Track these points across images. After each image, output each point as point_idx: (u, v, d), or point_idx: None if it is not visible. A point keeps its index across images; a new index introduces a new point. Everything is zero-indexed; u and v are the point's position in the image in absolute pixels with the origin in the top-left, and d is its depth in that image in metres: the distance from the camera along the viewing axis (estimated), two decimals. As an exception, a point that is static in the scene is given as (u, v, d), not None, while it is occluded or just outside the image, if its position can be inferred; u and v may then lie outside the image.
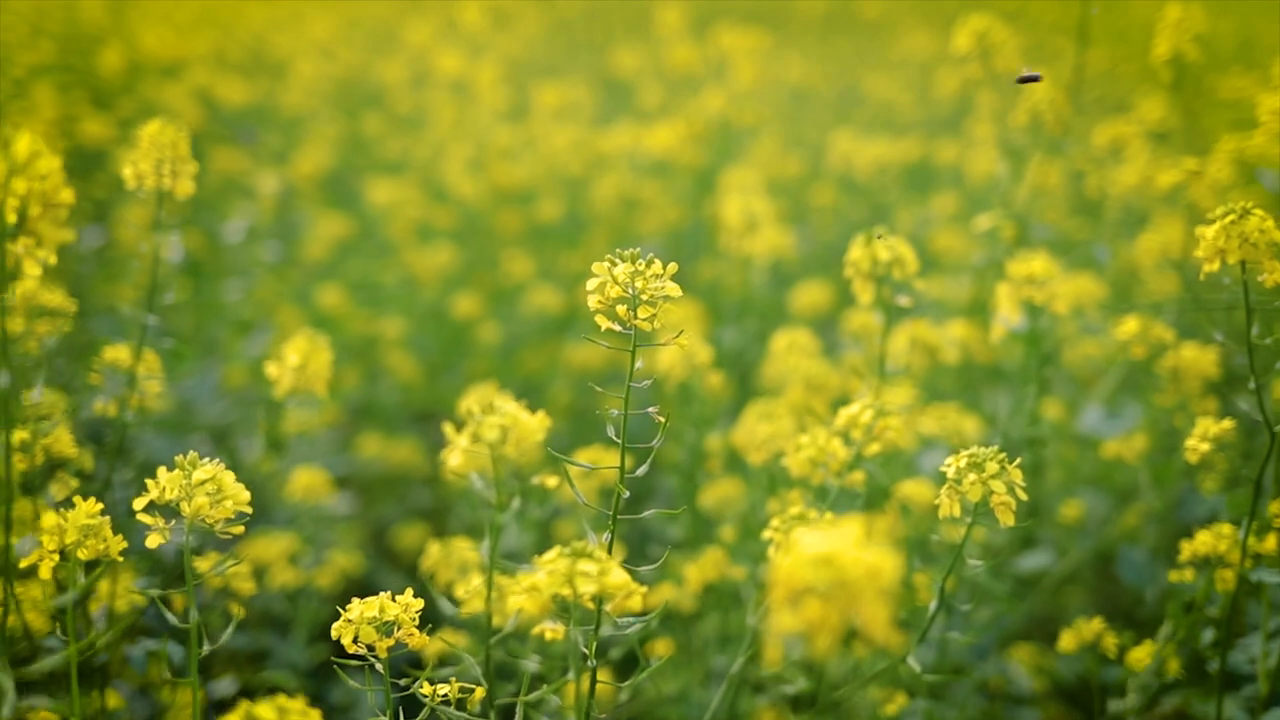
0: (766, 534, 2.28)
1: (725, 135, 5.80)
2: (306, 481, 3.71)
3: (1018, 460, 2.03)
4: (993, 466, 1.99)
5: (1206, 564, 2.65)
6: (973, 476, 1.99)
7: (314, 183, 6.11)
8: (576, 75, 8.58)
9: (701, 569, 2.96)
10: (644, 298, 1.99)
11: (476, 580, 2.60)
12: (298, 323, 5.84)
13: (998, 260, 3.64)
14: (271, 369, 2.84)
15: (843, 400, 2.90)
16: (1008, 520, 2.00)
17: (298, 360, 2.80)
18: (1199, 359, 3.31)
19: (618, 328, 2.00)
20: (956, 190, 6.70)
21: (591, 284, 2.01)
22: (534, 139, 6.38)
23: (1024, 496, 2.03)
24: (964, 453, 2.03)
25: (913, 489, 2.95)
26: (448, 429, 1.82)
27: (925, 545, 3.06)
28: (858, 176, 5.32)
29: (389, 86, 7.27)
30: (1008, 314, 2.65)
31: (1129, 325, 3.13)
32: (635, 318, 1.99)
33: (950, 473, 2.03)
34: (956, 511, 2.02)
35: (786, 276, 6.18)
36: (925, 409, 3.24)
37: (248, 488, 2.04)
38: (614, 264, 2.00)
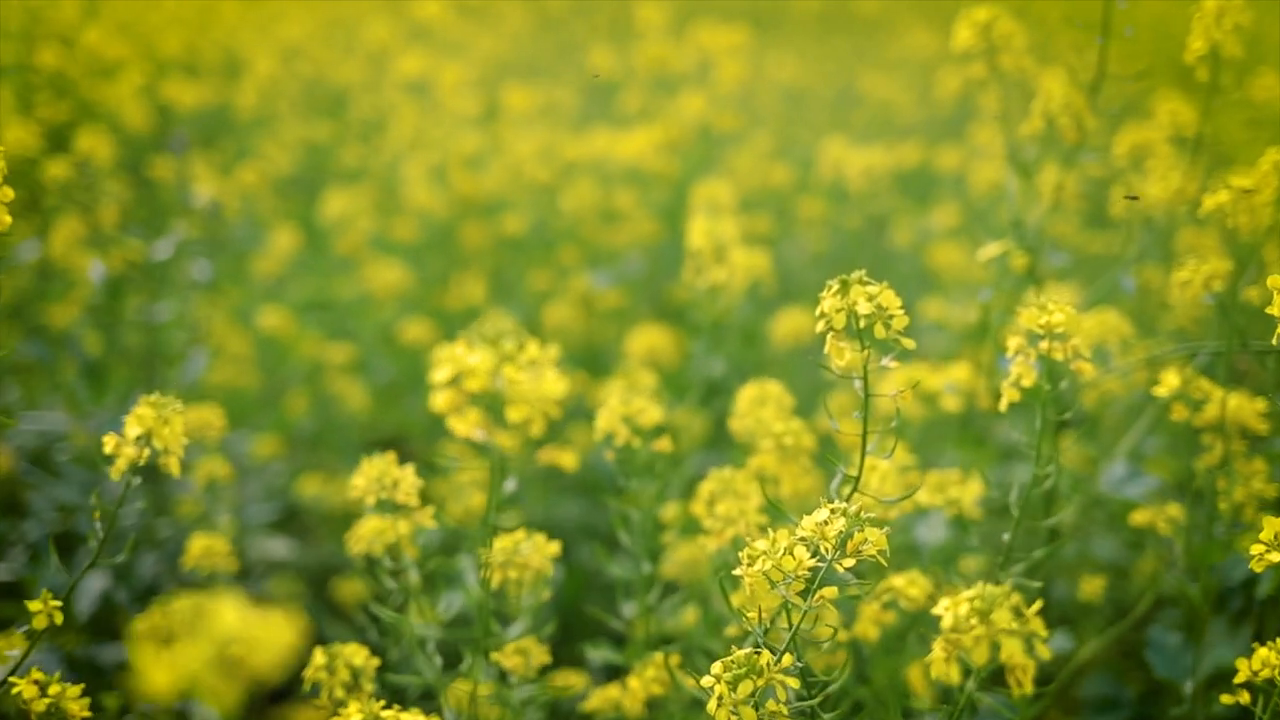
0: (708, 681, 1.71)
1: (706, 141, 5.22)
2: (203, 547, 3.15)
3: (1036, 604, 1.47)
4: (1004, 617, 1.43)
5: (1269, 687, 2.09)
6: (978, 629, 1.43)
7: (265, 192, 5.54)
8: (565, 76, 8.02)
9: (644, 683, 2.39)
10: (513, 395, 1.41)
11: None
12: (243, 345, 5.29)
13: (1006, 289, 3.07)
14: (108, 442, 2.25)
15: (825, 456, 2.34)
16: (1026, 687, 1.44)
17: (139, 430, 2.21)
18: (1241, 408, 2.75)
19: (480, 436, 1.42)
20: (957, 198, 6.12)
21: (440, 374, 1.43)
22: (501, 145, 5.80)
23: (1046, 654, 1.46)
24: (965, 594, 1.47)
25: (902, 583, 2.38)
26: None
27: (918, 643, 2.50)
28: (851, 185, 4.74)
29: (352, 88, 6.70)
30: (1021, 375, 2.08)
31: (1168, 380, 2.55)
32: (499, 429, 1.41)
33: (946, 619, 1.47)
34: (954, 676, 1.46)
35: (778, 290, 5.64)
36: (922, 474, 2.66)
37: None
38: (472, 346, 1.43)
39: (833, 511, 1.75)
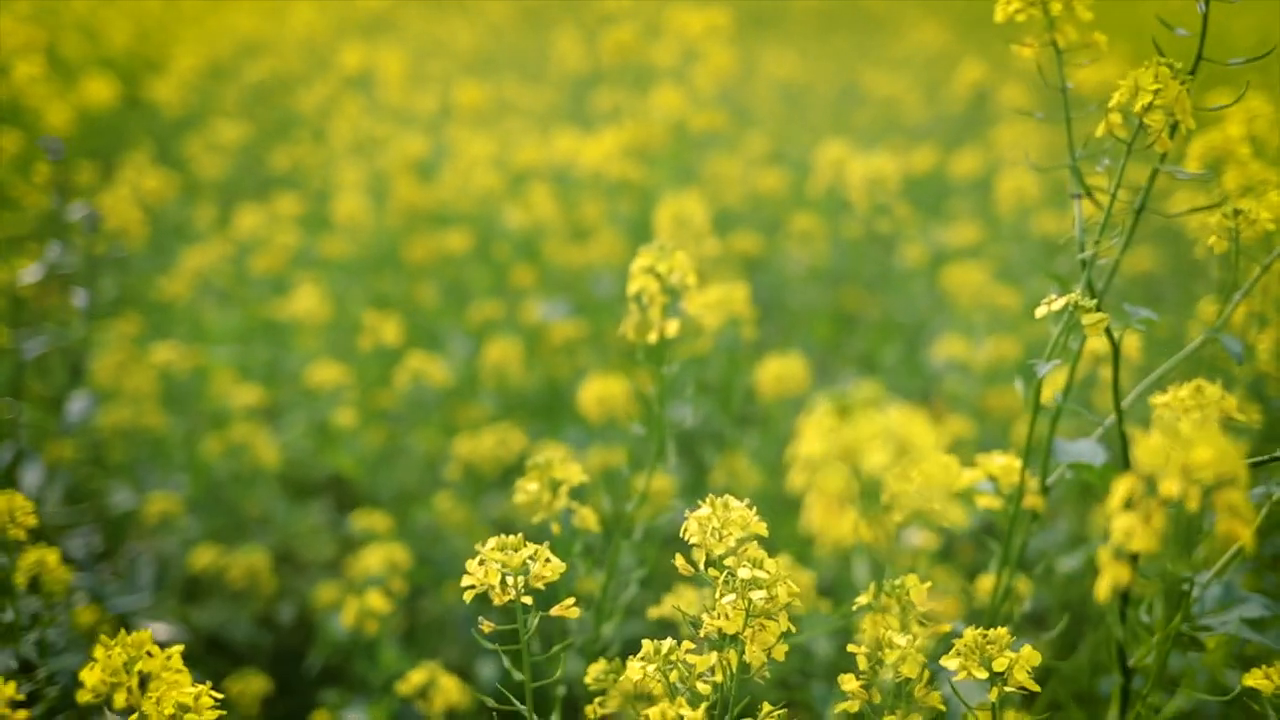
0: None
1: (682, 144, 4.33)
2: None
3: None
4: None
5: None
6: None
7: (175, 201, 4.65)
8: (544, 72, 7.14)
9: None
10: None
11: None
12: (144, 381, 4.41)
13: (1065, 349, 2.17)
14: None
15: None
16: None
17: None
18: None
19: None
20: (975, 208, 5.23)
21: None
22: (451, 149, 4.91)
23: None
24: None
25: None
26: None
27: None
28: (853, 195, 3.84)
29: (293, 84, 5.81)
30: (1132, 536, 1.21)
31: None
32: None
33: None
34: None
35: (767, 307, 4.73)
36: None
37: None
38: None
39: None
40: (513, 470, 3.64)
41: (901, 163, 4.72)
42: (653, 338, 2.21)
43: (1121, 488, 1.26)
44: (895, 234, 3.67)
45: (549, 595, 1.71)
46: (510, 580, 1.58)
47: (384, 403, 4.05)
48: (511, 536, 1.63)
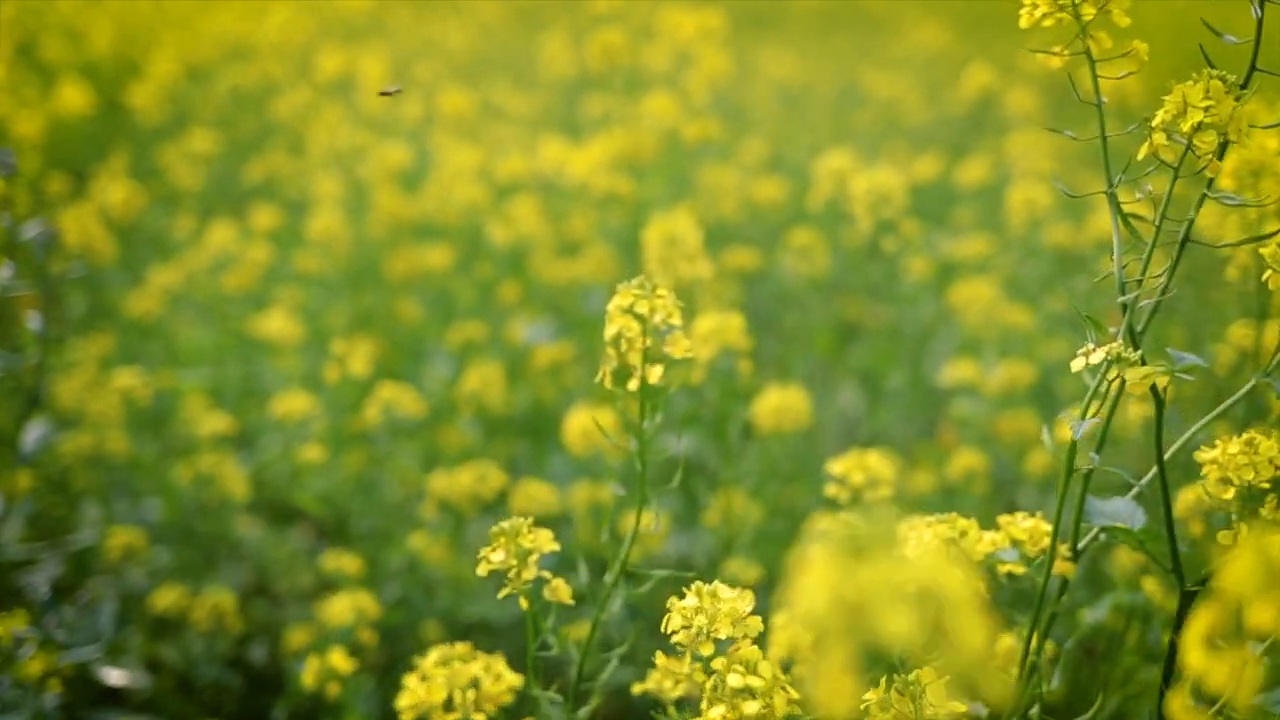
0: None
1: (675, 154, 4.06)
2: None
3: None
4: None
5: None
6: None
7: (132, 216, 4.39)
8: (536, 75, 6.86)
9: None
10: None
11: None
12: (108, 406, 4.15)
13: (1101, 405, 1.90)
14: None
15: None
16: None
17: None
18: None
19: None
20: (982, 213, 4.95)
21: None
22: (435, 159, 4.64)
23: None
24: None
25: None
26: None
27: None
28: (855, 209, 3.56)
29: (274, 91, 5.53)
30: None
31: None
32: None
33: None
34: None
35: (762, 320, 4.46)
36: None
37: None
38: None
39: None
40: (494, 506, 3.38)
41: (906, 172, 4.46)
42: (633, 385, 1.95)
43: (1200, 622, 1.00)
44: (901, 250, 3.40)
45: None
46: (458, 698, 1.32)
47: (360, 427, 3.79)
48: (460, 645, 1.37)
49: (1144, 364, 1.62)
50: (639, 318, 1.89)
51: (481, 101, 4.77)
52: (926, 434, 4.58)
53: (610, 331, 1.90)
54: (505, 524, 1.93)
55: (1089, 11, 1.84)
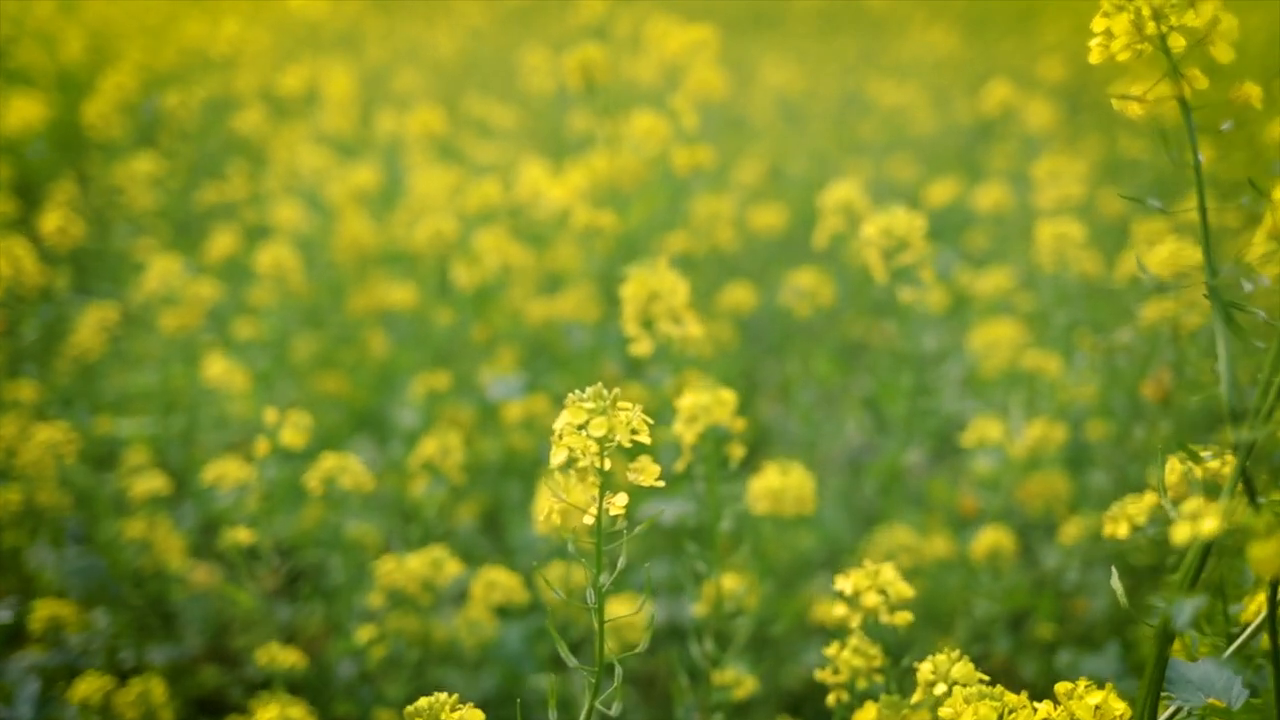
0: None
1: (664, 181, 3.59)
2: None
3: None
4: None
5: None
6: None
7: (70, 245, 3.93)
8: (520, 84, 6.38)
9: None
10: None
11: None
12: (37, 455, 3.69)
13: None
14: None
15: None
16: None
17: None
18: None
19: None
20: (994, 228, 4.49)
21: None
22: (407, 184, 4.18)
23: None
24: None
25: None
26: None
27: None
28: (866, 256, 3.08)
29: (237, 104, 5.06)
30: None
31: None
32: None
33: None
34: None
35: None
36: None
37: None
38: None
39: None
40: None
41: (918, 190, 4.00)
42: (588, 520, 1.49)
43: None
44: (918, 300, 2.93)
45: None
46: None
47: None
48: None
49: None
50: (596, 440, 1.43)
51: (462, 115, 4.29)
52: (937, 461, 4.14)
53: (557, 456, 1.44)
54: (423, 702, 1.48)
55: (1179, 42, 1.38)
